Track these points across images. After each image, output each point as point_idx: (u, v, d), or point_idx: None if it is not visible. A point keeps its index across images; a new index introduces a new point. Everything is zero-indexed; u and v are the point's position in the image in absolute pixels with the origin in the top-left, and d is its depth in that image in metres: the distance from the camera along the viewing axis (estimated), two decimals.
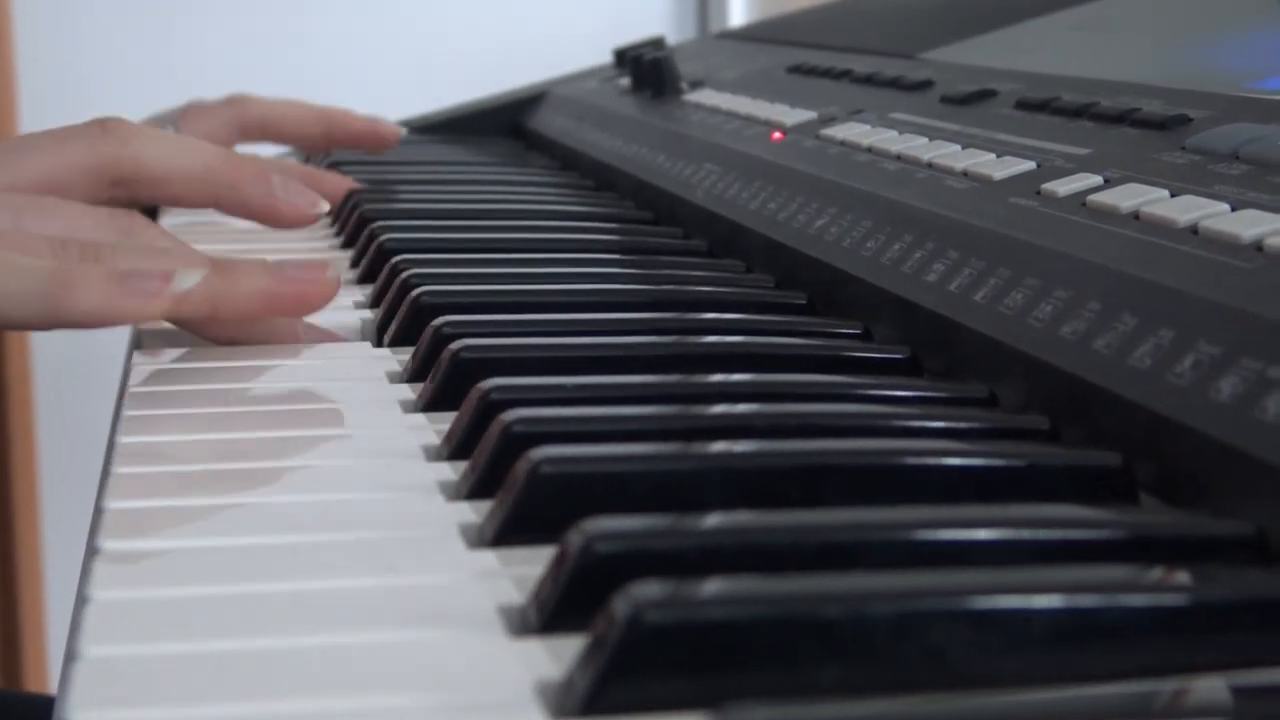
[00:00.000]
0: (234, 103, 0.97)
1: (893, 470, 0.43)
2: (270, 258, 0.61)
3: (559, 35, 1.75)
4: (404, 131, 1.01)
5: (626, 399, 0.50)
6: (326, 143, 1.01)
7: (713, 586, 0.33)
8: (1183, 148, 0.57)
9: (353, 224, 0.85)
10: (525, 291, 0.67)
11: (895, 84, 0.83)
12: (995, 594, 0.33)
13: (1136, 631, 0.34)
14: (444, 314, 0.59)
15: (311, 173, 0.90)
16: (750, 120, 0.86)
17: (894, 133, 0.72)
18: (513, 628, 0.36)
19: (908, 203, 0.62)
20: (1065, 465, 0.44)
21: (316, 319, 0.63)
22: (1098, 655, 0.33)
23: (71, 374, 1.78)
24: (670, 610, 0.32)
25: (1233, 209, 0.49)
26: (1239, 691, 0.32)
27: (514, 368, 0.53)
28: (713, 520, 0.38)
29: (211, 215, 0.84)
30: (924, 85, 0.80)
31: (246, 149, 0.95)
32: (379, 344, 0.64)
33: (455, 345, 0.54)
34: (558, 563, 0.36)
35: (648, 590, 0.32)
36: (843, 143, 0.74)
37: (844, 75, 0.90)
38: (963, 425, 0.48)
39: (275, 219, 0.74)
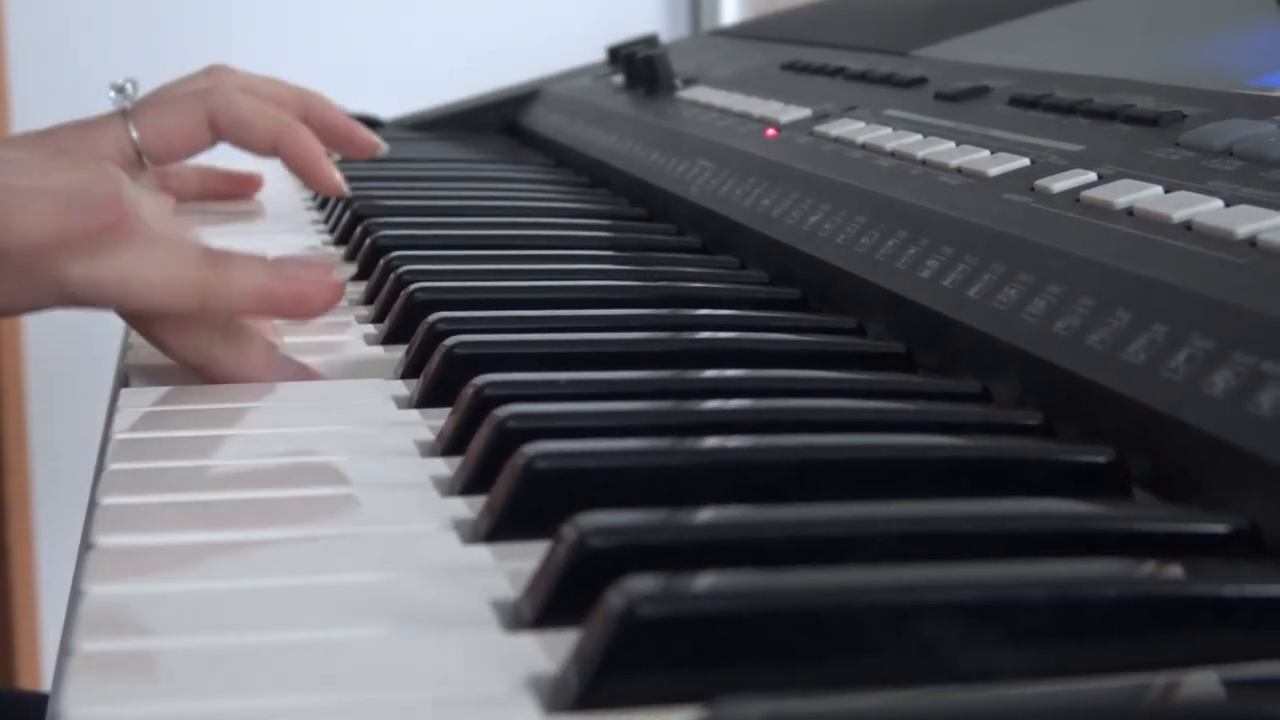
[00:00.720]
0: (211, 71, 0.94)
1: (886, 465, 0.43)
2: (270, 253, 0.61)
3: (553, 33, 1.75)
4: (385, 148, 0.98)
5: (620, 395, 0.50)
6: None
7: (706, 581, 0.33)
8: (1176, 144, 0.57)
9: (346, 221, 0.85)
10: (519, 288, 0.67)
11: (889, 81, 0.83)
12: (987, 588, 0.33)
13: (1128, 625, 0.34)
14: (438, 310, 0.59)
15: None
16: (744, 117, 0.87)
17: (888, 129, 0.72)
18: (507, 623, 0.36)
19: (901, 199, 0.62)
20: (1058, 460, 0.44)
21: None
22: (1089, 649, 0.33)
23: (64, 368, 1.78)
24: (664, 604, 0.32)
25: (1226, 205, 0.49)
26: (1231, 685, 0.32)
27: (507, 364, 0.53)
28: (706, 515, 0.38)
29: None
30: (918, 82, 0.80)
31: None
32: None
33: (449, 342, 0.54)
34: (551, 557, 0.36)
35: (642, 585, 0.32)
36: (837, 139, 0.74)
37: (838, 72, 0.90)
38: (956, 420, 0.48)
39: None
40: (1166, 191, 0.52)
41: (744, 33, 1.24)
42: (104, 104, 0.87)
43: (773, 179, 0.74)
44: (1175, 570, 0.35)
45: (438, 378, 0.53)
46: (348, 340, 0.64)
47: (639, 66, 1.04)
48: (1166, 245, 0.48)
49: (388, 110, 1.25)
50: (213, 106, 0.86)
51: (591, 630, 0.32)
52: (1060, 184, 0.57)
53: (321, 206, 0.97)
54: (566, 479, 0.41)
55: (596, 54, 1.21)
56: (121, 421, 0.52)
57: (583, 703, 0.31)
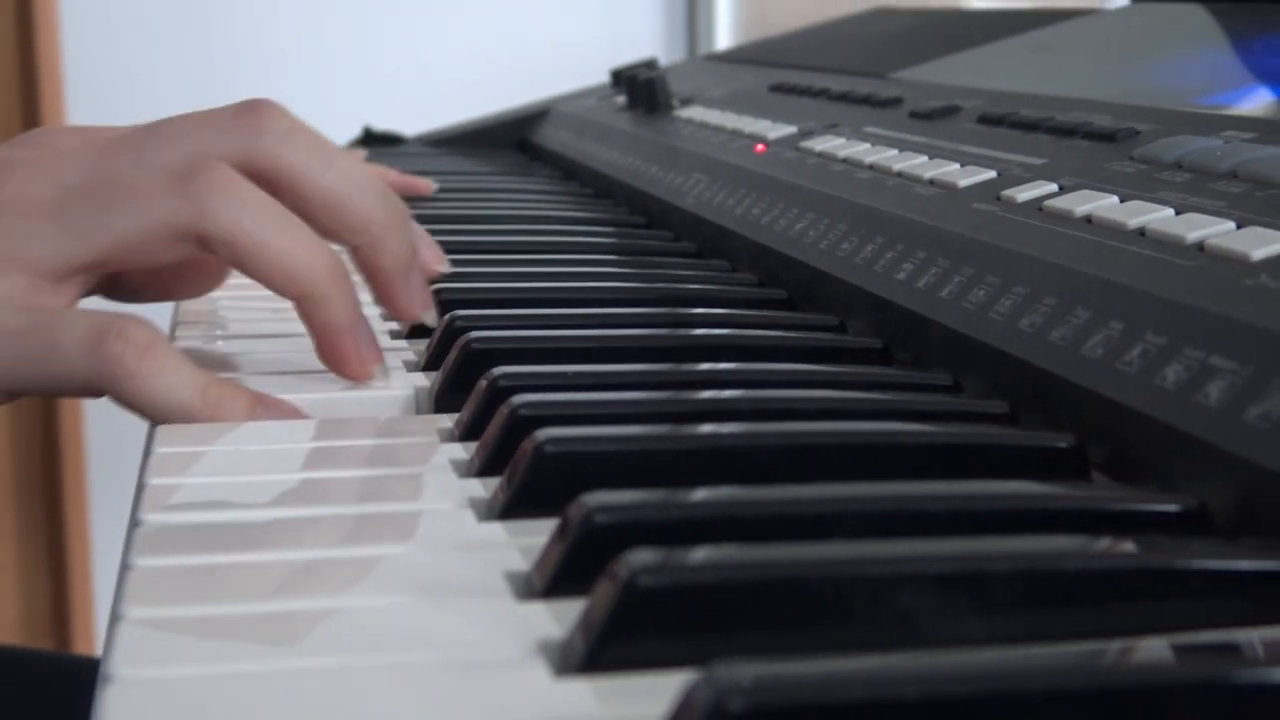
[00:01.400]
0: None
1: (866, 450, 0.43)
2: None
3: (561, 57, 1.75)
4: (436, 186, 0.96)
5: (623, 385, 0.50)
6: None
7: (702, 554, 0.33)
8: (1131, 157, 0.57)
9: None
10: (531, 289, 0.67)
11: (868, 101, 0.83)
12: (958, 561, 0.33)
13: (1087, 596, 0.33)
14: (457, 309, 0.59)
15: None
16: (735, 134, 0.86)
17: (867, 145, 0.72)
18: (519, 592, 0.36)
19: (879, 208, 0.62)
20: (1023, 446, 0.44)
21: None
22: (1051, 617, 0.33)
23: None
24: (662, 575, 0.32)
25: (1177, 213, 0.49)
26: (1180, 650, 0.32)
27: (520, 357, 0.53)
28: (702, 494, 0.38)
29: None
30: (894, 102, 0.80)
31: None
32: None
33: (467, 337, 0.54)
34: (560, 533, 0.36)
35: (642, 557, 0.32)
36: (820, 154, 0.74)
37: (821, 93, 0.90)
38: (929, 410, 0.48)
39: (395, 303, 0.56)
40: (1122, 201, 0.52)
41: (735, 57, 1.24)
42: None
43: (761, 190, 0.74)
44: (1131, 546, 0.35)
45: (456, 370, 0.53)
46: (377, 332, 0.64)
47: (639, 88, 1.04)
48: (1122, 250, 0.48)
49: (410, 128, 1.25)
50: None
51: (596, 599, 0.32)
52: (1024, 194, 0.56)
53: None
54: (573, 462, 0.41)
55: (601, 76, 1.21)
56: None
57: (588, 666, 0.31)
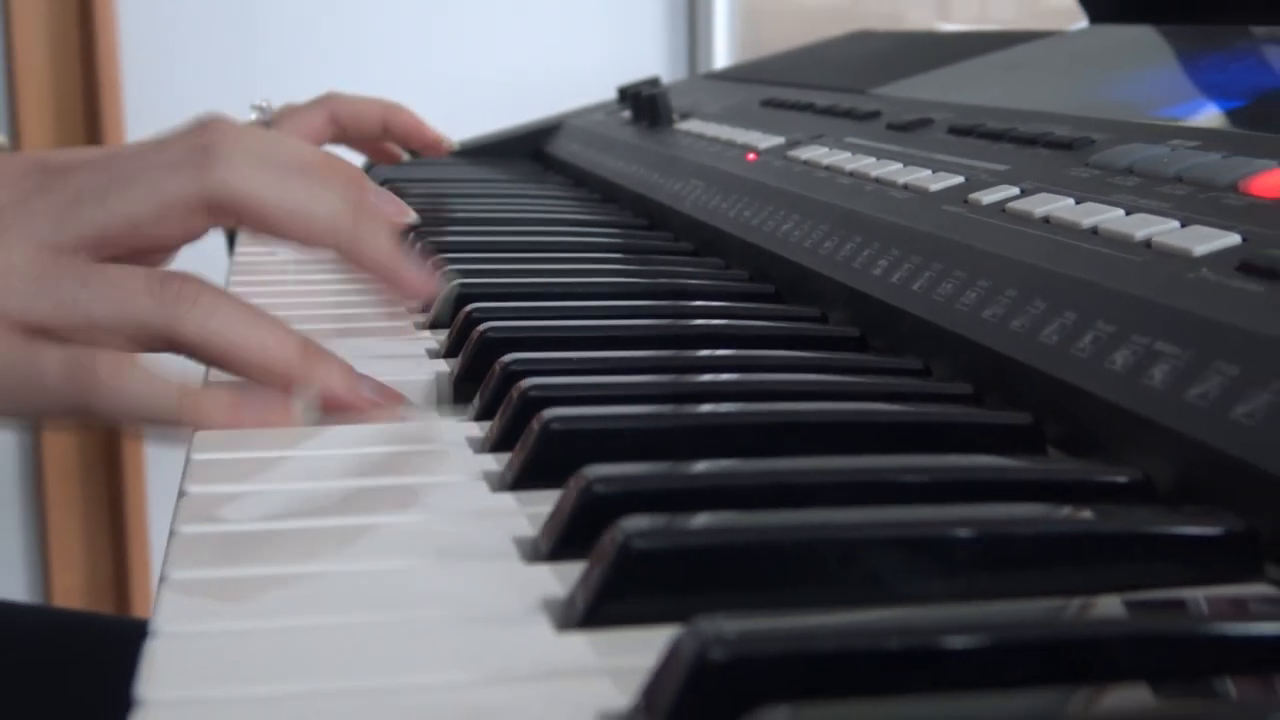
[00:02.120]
0: (325, 101, 0.93)
1: (843, 427, 0.43)
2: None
3: (573, 77, 1.74)
4: (456, 145, 0.96)
5: (624, 369, 0.50)
6: (382, 136, 0.95)
7: (690, 520, 0.33)
8: (1086, 164, 0.56)
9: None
10: (543, 283, 0.67)
11: (849, 114, 0.83)
12: (924, 527, 0.33)
13: (1043, 558, 0.33)
14: (475, 302, 0.59)
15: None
16: (729, 144, 0.86)
17: (848, 154, 0.72)
18: (526, 555, 0.36)
19: (858, 211, 0.62)
20: (986, 424, 0.44)
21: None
22: (1009, 578, 0.33)
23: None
24: (654, 539, 0.32)
25: (1127, 214, 0.49)
26: (1130, 604, 0.32)
27: (531, 345, 0.53)
28: (693, 467, 0.38)
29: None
30: (873, 115, 0.80)
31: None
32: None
33: (483, 327, 0.54)
34: (563, 501, 0.36)
35: (636, 523, 0.32)
36: (805, 162, 0.74)
37: (808, 107, 0.89)
38: (901, 391, 0.48)
39: (394, 284, 0.53)
40: (1077, 203, 0.52)
41: (731, 75, 1.24)
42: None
43: (752, 195, 0.74)
44: (1082, 513, 0.35)
45: (473, 357, 0.53)
46: (403, 326, 0.64)
47: (643, 103, 1.04)
48: (1076, 247, 0.48)
49: None
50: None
51: (594, 561, 0.32)
52: (989, 197, 0.56)
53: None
54: (577, 438, 0.41)
55: (609, 94, 1.21)
56: None
57: (587, 621, 0.31)
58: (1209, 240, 0.44)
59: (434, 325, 0.63)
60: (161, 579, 0.35)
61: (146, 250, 0.50)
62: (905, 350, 0.53)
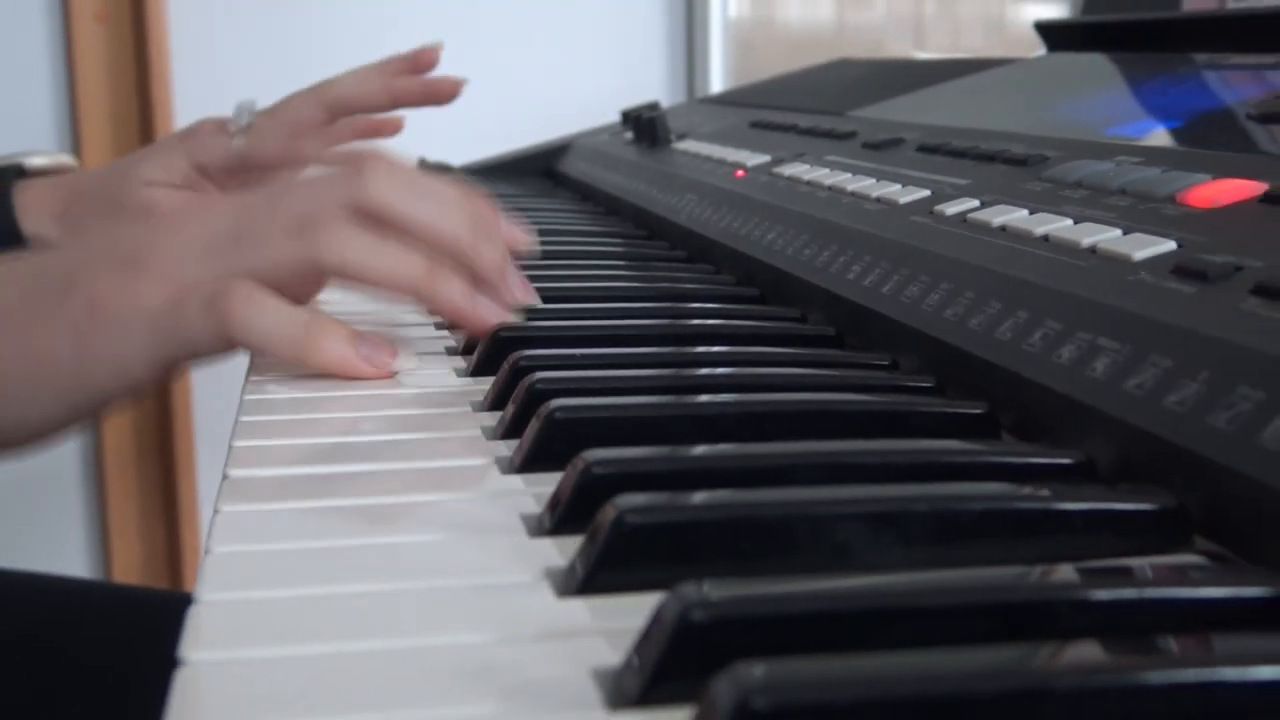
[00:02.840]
0: (318, 89, 0.86)
1: (818, 415, 0.43)
2: None
3: (581, 100, 1.75)
4: (466, 80, 0.86)
5: (622, 364, 0.50)
6: (393, 105, 0.86)
7: (679, 498, 0.33)
8: (1040, 178, 0.57)
9: None
10: (552, 288, 0.67)
11: (829, 135, 0.83)
12: (888, 503, 0.33)
13: (995, 531, 0.34)
14: None
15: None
16: (721, 162, 0.86)
17: (827, 170, 0.72)
18: (531, 530, 0.36)
19: (835, 221, 0.62)
20: (946, 412, 0.44)
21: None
22: (965, 550, 0.33)
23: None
24: (646, 515, 0.32)
25: (1075, 223, 0.49)
26: (1083, 573, 0.32)
27: (540, 342, 0.53)
28: (682, 451, 0.39)
29: None
30: (850, 135, 0.80)
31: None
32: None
33: (496, 327, 0.54)
34: (565, 481, 0.36)
35: (629, 500, 0.32)
36: (788, 178, 0.74)
37: (791, 128, 0.90)
38: (871, 383, 0.48)
39: (462, 322, 0.55)
40: (1031, 214, 0.52)
41: (723, 100, 1.24)
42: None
43: (740, 208, 0.74)
44: (1031, 491, 0.35)
45: (486, 353, 0.54)
46: (423, 323, 0.64)
47: (643, 125, 1.04)
48: (1029, 253, 0.48)
49: (457, 158, 1.25)
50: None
51: (592, 534, 0.32)
52: (953, 208, 0.57)
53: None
54: (579, 425, 0.41)
55: (613, 117, 1.21)
56: (251, 388, 0.52)
57: (584, 588, 0.32)
58: (1148, 246, 0.44)
59: (453, 326, 0.63)
60: (205, 550, 0.35)
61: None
62: (876, 346, 0.53)
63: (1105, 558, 0.34)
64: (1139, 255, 0.44)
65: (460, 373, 0.54)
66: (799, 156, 0.79)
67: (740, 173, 0.81)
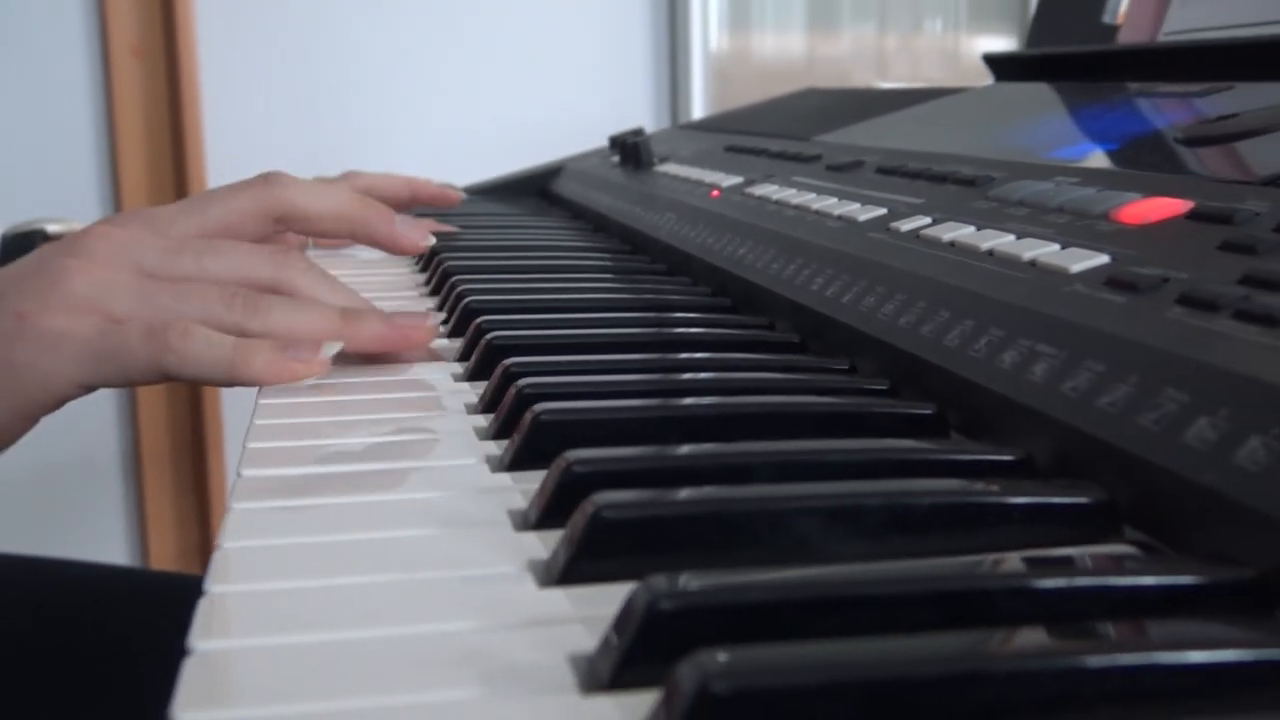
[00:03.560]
0: (348, 176, 0.95)
1: (782, 415, 0.43)
2: (367, 293, 0.59)
3: (571, 126, 1.74)
4: (465, 196, 0.98)
5: (604, 370, 0.50)
6: (412, 202, 0.96)
7: (652, 494, 0.33)
8: (986, 197, 0.56)
9: (425, 254, 0.85)
10: (543, 297, 0.66)
11: (796, 158, 0.82)
12: (843, 497, 0.33)
13: (942, 524, 0.33)
14: (485, 315, 0.59)
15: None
16: (698, 184, 0.86)
17: (793, 191, 0.72)
18: (517, 525, 0.36)
19: (800, 237, 0.62)
20: (899, 413, 0.43)
21: None
22: (915, 541, 0.33)
23: None
24: (620, 510, 0.31)
25: (1017, 238, 0.49)
26: (1028, 561, 0.32)
27: (530, 349, 0.53)
28: (655, 450, 0.38)
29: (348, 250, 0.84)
30: (815, 158, 0.80)
31: None
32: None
33: (490, 335, 0.54)
34: (548, 479, 0.36)
35: (606, 496, 0.32)
36: (759, 198, 0.74)
37: (762, 152, 0.89)
38: (830, 386, 0.48)
39: (395, 248, 0.64)
40: (978, 230, 0.52)
41: (702, 126, 1.24)
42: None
43: (714, 225, 0.73)
44: (976, 486, 0.35)
45: (480, 360, 0.53)
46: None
47: (629, 149, 1.04)
48: (975, 266, 0.48)
49: (459, 180, 1.25)
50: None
51: (572, 527, 0.32)
52: (907, 225, 0.56)
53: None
54: (563, 427, 0.41)
55: (602, 141, 1.21)
56: (266, 393, 0.52)
57: (565, 578, 0.31)
58: (1083, 260, 0.44)
59: (451, 335, 0.62)
60: (215, 546, 0.35)
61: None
62: (836, 352, 0.52)
63: (1044, 547, 0.33)
64: (1075, 268, 0.44)
65: (457, 377, 0.54)
66: (768, 178, 0.79)
67: (715, 193, 0.81)
